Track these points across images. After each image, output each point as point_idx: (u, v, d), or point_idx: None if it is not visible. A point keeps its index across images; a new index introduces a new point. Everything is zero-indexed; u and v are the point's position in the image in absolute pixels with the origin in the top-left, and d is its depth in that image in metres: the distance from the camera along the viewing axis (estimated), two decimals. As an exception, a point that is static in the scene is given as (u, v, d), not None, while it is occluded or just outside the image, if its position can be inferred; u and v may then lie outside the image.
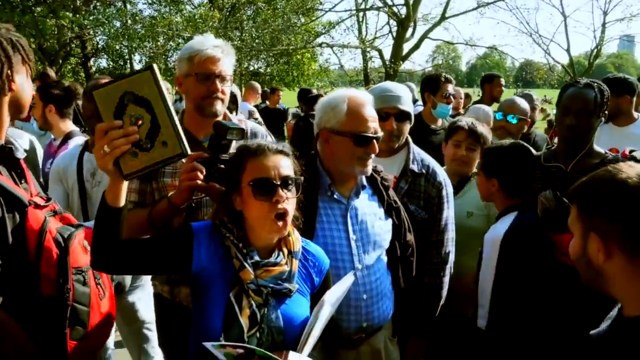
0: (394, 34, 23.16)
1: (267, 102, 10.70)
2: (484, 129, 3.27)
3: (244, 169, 1.91)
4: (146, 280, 3.42)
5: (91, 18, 21.74)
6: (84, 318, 1.93)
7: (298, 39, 22.36)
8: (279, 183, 1.88)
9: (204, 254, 1.90)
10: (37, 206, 1.87)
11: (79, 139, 3.75)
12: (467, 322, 2.79)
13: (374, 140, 2.35)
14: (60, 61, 22.57)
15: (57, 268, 1.85)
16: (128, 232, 1.92)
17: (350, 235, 2.38)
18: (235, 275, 1.87)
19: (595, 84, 2.79)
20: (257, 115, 8.07)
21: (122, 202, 1.83)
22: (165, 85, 1.86)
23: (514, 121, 4.07)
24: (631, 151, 3.29)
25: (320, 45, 24.03)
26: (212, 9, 21.71)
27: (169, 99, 1.82)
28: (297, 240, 2.01)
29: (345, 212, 2.41)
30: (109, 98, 1.78)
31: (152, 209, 2.32)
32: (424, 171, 2.79)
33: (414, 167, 2.79)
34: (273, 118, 9.30)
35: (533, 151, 2.96)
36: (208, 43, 2.46)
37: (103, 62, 26.41)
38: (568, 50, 24.98)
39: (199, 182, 2.15)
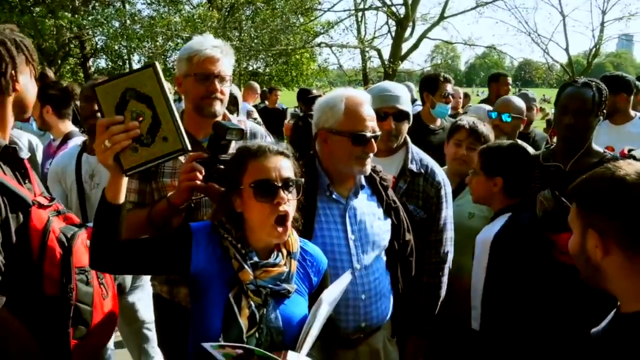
0: (393, 34, 23.15)
1: (266, 102, 10.69)
2: (485, 129, 3.26)
3: (244, 170, 1.91)
4: (146, 280, 3.42)
5: (90, 18, 21.73)
6: (86, 317, 1.94)
7: (297, 39, 22.35)
8: (280, 185, 1.88)
9: (203, 255, 1.90)
10: (41, 206, 1.88)
11: (78, 140, 3.75)
12: (466, 322, 2.79)
13: (372, 140, 2.34)
14: (59, 61, 22.56)
15: (60, 268, 1.86)
16: (127, 232, 1.91)
17: (349, 235, 2.38)
18: (234, 276, 1.87)
19: (594, 83, 2.79)
20: (255, 115, 8.07)
21: (122, 200, 1.83)
22: (165, 85, 1.87)
23: (509, 120, 4.06)
24: (630, 150, 3.30)
25: (319, 45, 24.03)
26: (210, 9, 21.68)
27: (171, 96, 1.83)
28: (295, 241, 2.01)
29: (344, 212, 2.41)
30: (110, 94, 1.79)
31: (151, 209, 2.33)
32: (422, 171, 2.80)
33: (413, 166, 2.80)
34: (272, 118, 9.30)
35: (532, 150, 2.96)
36: (207, 43, 2.46)
37: (102, 63, 26.44)
38: (567, 50, 24.98)
39: (198, 182, 2.15)
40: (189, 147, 1.82)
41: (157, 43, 21.65)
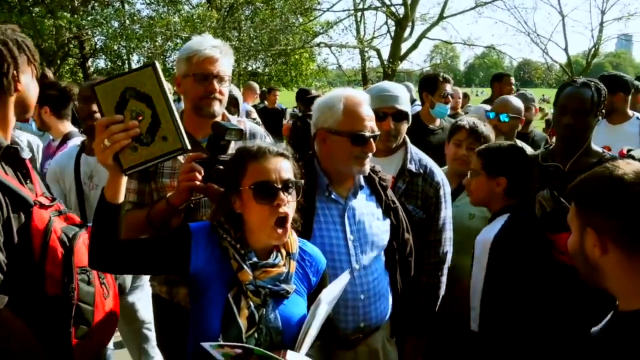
0: (392, 34, 23.17)
1: (266, 102, 10.69)
2: (485, 129, 3.26)
3: (244, 171, 1.91)
4: (145, 280, 3.42)
5: (89, 18, 21.75)
6: (88, 317, 1.94)
7: (296, 39, 22.36)
8: (280, 187, 1.87)
9: (202, 255, 1.90)
10: (42, 206, 1.88)
11: (78, 140, 3.74)
12: (466, 322, 2.79)
13: (371, 140, 2.34)
14: (59, 62, 22.57)
15: (62, 267, 1.86)
16: (126, 232, 1.91)
17: (348, 236, 2.38)
18: (233, 276, 1.87)
19: (592, 83, 2.79)
20: (254, 115, 8.07)
21: (121, 199, 1.83)
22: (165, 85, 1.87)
23: (506, 120, 4.06)
24: (629, 150, 3.30)
25: (318, 45, 24.04)
26: (210, 9, 21.69)
27: (170, 95, 1.83)
28: (294, 242, 2.01)
29: (343, 213, 2.41)
30: (110, 93, 1.79)
31: (150, 210, 2.33)
32: (421, 171, 2.80)
33: (412, 166, 2.80)
34: (271, 118, 9.29)
35: (531, 150, 2.96)
36: (206, 43, 2.46)
37: (101, 63, 26.45)
38: (566, 50, 25.00)
39: (198, 182, 2.15)
40: (189, 147, 1.82)
41: (157, 43, 21.66)
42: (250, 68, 24.28)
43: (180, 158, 2.21)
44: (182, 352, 1.97)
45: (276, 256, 1.94)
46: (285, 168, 1.92)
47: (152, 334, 3.40)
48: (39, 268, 1.82)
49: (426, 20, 23.92)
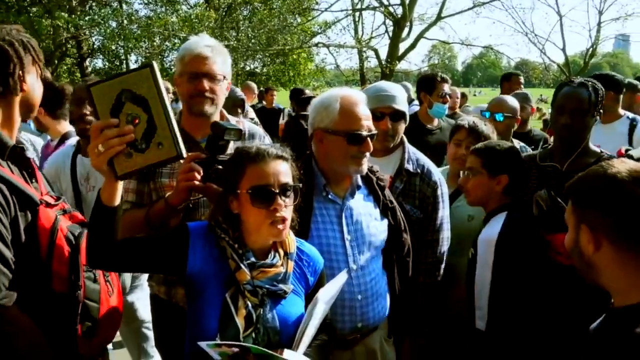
0: (390, 34, 23.21)
1: (264, 102, 10.69)
2: (485, 128, 3.25)
3: (243, 174, 1.90)
4: (144, 280, 3.42)
5: (87, 18, 21.73)
6: (94, 314, 1.96)
7: (294, 39, 22.37)
8: (277, 191, 1.87)
9: (199, 255, 1.90)
10: (48, 205, 1.89)
11: (75, 140, 3.73)
12: (465, 322, 2.80)
13: (368, 139, 2.34)
14: (56, 62, 22.54)
15: (68, 266, 1.87)
16: (125, 232, 1.91)
17: (345, 236, 2.38)
18: (231, 276, 1.87)
19: (590, 83, 2.79)
20: (252, 115, 8.06)
21: (117, 202, 1.82)
22: (164, 85, 1.85)
23: (501, 119, 4.06)
24: (627, 150, 3.31)
25: (316, 45, 24.06)
26: (208, 9, 21.70)
27: (167, 99, 1.80)
28: (292, 242, 2.01)
29: (340, 213, 2.41)
30: (106, 95, 1.75)
31: (149, 210, 2.33)
32: (419, 171, 2.79)
33: (409, 166, 2.79)
34: (269, 118, 9.29)
35: (530, 150, 2.96)
36: (200, 43, 2.47)
37: (99, 63, 26.42)
38: (564, 50, 25.08)
39: (196, 182, 2.15)
40: (184, 154, 1.79)
41: (154, 43, 21.67)
42: (248, 68, 24.28)
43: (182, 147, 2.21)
44: (180, 352, 1.97)
45: (274, 256, 1.94)
46: (283, 171, 1.92)
47: (151, 333, 3.40)
48: (46, 266, 1.83)
49: (424, 20, 24.01)
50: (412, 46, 23.73)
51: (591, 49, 24.84)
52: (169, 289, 2.57)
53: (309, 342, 1.90)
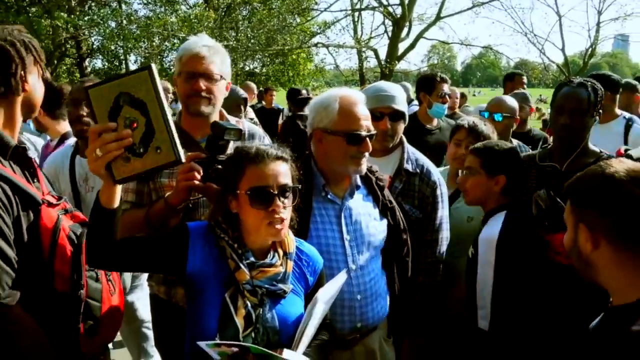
0: (390, 34, 23.21)
1: (263, 102, 10.69)
2: (485, 128, 3.25)
3: (242, 174, 1.90)
4: (144, 279, 3.42)
5: (86, 18, 21.71)
6: (96, 313, 1.97)
7: (293, 39, 22.37)
8: (276, 192, 1.87)
9: (199, 255, 1.90)
10: (50, 204, 1.89)
11: (74, 140, 3.73)
12: (464, 322, 2.80)
13: (367, 139, 2.34)
14: (55, 62, 22.53)
15: (70, 265, 1.88)
16: (124, 232, 1.91)
17: (344, 236, 2.38)
18: (230, 276, 1.87)
19: (589, 83, 2.79)
20: (252, 115, 8.06)
21: (116, 204, 1.81)
22: (164, 85, 1.84)
23: (500, 119, 4.07)
24: (626, 150, 3.32)
25: (315, 45, 24.06)
26: (207, 9, 21.71)
27: (166, 102, 1.79)
28: (292, 242, 2.01)
29: (340, 213, 2.41)
30: (104, 98, 1.74)
31: (148, 209, 2.33)
32: (418, 170, 2.80)
33: (408, 166, 2.80)
34: (269, 118, 9.29)
35: (529, 150, 2.96)
36: (199, 43, 2.48)
37: (98, 63, 26.41)
38: (563, 50, 25.11)
39: (196, 182, 2.15)
40: (183, 159, 1.78)
41: (154, 43, 21.67)
42: (247, 68, 24.27)
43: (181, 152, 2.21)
44: (179, 351, 1.98)
45: (273, 256, 1.94)
46: (283, 172, 1.92)
47: (151, 333, 3.41)
48: (48, 266, 1.84)
49: (423, 20, 23.99)
50: (412, 46, 23.73)
51: (590, 49, 24.87)
52: (168, 289, 2.57)
53: (309, 342, 1.90)
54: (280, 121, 9.19)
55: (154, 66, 1.75)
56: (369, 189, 2.53)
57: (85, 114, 3.03)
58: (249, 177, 1.89)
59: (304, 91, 7.86)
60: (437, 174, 2.86)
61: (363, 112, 2.38)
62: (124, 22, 21.36)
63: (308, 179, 2.33)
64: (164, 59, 23.09)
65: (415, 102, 5.72)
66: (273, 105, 10.35)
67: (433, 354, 2.94)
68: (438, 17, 23.33)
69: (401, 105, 2.82)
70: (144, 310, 3.44)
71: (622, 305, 1.50)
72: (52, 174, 3.31)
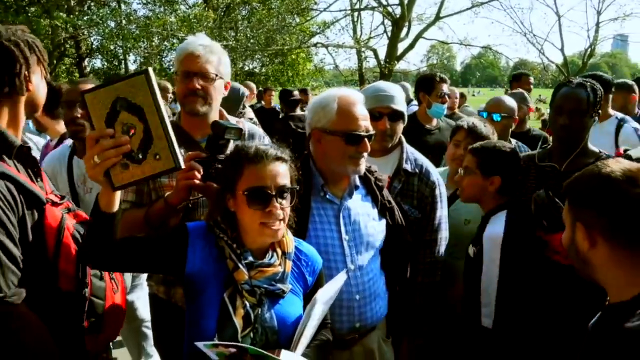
0: (389, 34, 23.23)
1: (263, 102, 10.69)
2: (485, 129, 3.25)
3: (240, 174, 1.90)
4: (144, 279, 3.43)
5: (85, 18, 21.69)
6: (99, 311, 1.98)
7: (293, 39, 22.38)
8: (274, 193, 1.87)
9: (199, 255, 1.90)
10: (54, 203, 1.90)
11: (71, 141, 3.73)
12: (463, 322, 2.80)
13: (366, 139, 2.34)
14: (55, 61, 22.51)
15: (75, 264, 1.89)
16: (124, 232, 1.91)
17: (343, 236, 2.38)
18: (229, 276, 1.87)
19: (588, 83, 2.80)
20: (251, 115, 8.06)
21: (116, 207, 1.80)
22: (163, 85, 1.84)
23: (499, 120, 4.07)
24: (625, 150, 3.32)
25: (315, 45, 24.08)
26: (206, 9, 21.70)
27: (164, 106, 1.77)
28: (290, 241, 2.01)
29: (338, 213, 2.41)
30: (101, 103, 1.71)
31: (148, 209, 2.33)
32: (417, 171, 2.80)
33: (407, 166, 2.79)
34: (268, 118, 9.29)
35: (528, 149, 2.96)
36: (195, 42, 2.48)
37: (97, 63, 26.43)
38: (562, 50, 25.14)
39: (196, 181, 2.15)
40: (183, 166, 1.77)
41: (153, 43, 21.67)
42: (246, 68, 24.27)
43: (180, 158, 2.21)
44: (179, 351, 1.97)
45: (272, 256, 1.94)
46: (281, 173, 1.91)
47: (151, 333, 3.41)
48: (53, 265, 1.84)
49: (423, 20, 24.03)
50: (411, 46, 23.75)
51: (590, 49, 24.90)
52: (168, 289, 2.57)
53: (307, 342, 1.90)
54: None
55: (150, 70, 1.73)
56: (367, 189, 2.53)
57: (79, 115, 3.02)
58: (247, 177, 1.89)
59: (295, 92, 7.86)
60: (436, 174, 2.86)
61: (362, 112, 2.38)
62: (123, 21, 21.36)
63: (307, 179, 2.33)
64: (163, 59, 23.09)
65: (415, 102, 5.72)
66: (272, 105, 10.35)
67: (432, 354, 2.94)
68: (437, 17, 23.36)
69: (400, 105, 2.82)
70: (144, 310, 3.44)
71: (618, 302, 1.52)
72: (49, 174, 3.30)
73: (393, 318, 2.57)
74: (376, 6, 23.28)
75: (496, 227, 2.68)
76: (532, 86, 6.74)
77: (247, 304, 1.85)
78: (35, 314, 1.78)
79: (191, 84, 2.42)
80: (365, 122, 2.36)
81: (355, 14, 24.48)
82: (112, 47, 23.98)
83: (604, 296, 1.63)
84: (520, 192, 2.83)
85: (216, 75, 2.48)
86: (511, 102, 4.19)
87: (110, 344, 3.33)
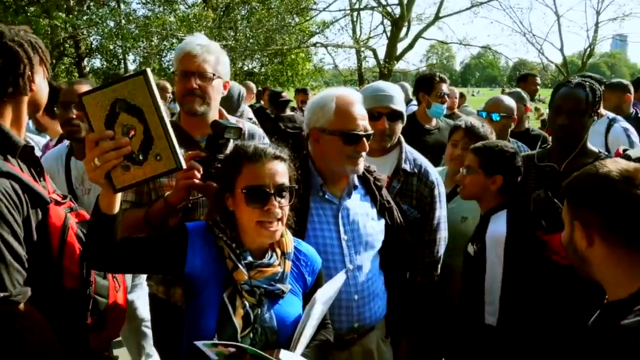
0: (388, 34, 23.24)
1: (262, 102, 10.69)
2: (483, 129, 3.25)
3: (239, 172, 1.90)
4: (144, 278, 3.43)
5: (84, 18, 21.68)
6: (102, 309, 1.99)
7: (292, 39, 22.39)
8: (272, 192, 1.87)
9: (199, 255, 1.90)
10: (57, 203, 1.91)
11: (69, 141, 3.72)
12: (461, 320, 2.81)
13: (364, 139, 2.34)
14: (54, 61, 22.48)
15: (79, 263, 1.90)
16: (124, 231, 1.91)
17: (342, 236, 2.38)
18: (229, 276, 1.87)
19: (587, 83, 2.80)
20: (250, 114, 8.06)
21: (117, 209, 1.79)
22: (162, 84, 1.84)
23: (498, 119, 4.07)
24: (625, 150, 3.33)
25: (314, 45, 24.09)
26: (206, 8, 21.70)
27: (163, 106, 1.76)
28: (290, 241, 2.01)
29: (337, 213, 2.41)
30: (99, 105, 1.69)
31: (148, 209, 2.33)
32: (416, 170, 2.80)
33: (406, 166, 2.80)
34: (267, 118, 9.28)
35: (528, 149, 2.96)
36: (193, 42, 2.48)
37: (97, 62, 26.42)
38: (561, 50, 25.15)
39: (196, 181, 2.15)
40: (184, 165, 1.76)
41: (152, 43, 21.64)
42: (246, 68, 24.27)
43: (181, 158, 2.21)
44: (178, 351, 1.97)
45: (271, 256, 1.94)
46: (280, 172, 1.91)
47: (150, 332, 3.41)
48: (57, 264, 1.85)
49: (422, 20, 24.05)
50: (410, 46, 23.76)
51: (589, 49, 24.93)
52: (167, 289, 2.57)
53: (307, 342, 1.90)
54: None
55: (149, 71, 1.71)
56: (366, 188, 2.53)
57: (74, 116, 3.01)
58: (245, 176, 1.89)
59: (284, 93, 7.87)
60: (435, 173, 2.86)
61: (360, 111, 2.38)
62: (123, 21, 21.35)
63: (305, 179, 2.33)
64: (162, 59, 23.07)
65: (414, 102, 5.72)
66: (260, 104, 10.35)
67: (431, 354, 2.95)
68: (437, 17, 23.38)
69: (399, 105, 2.82)
70: (144, 309, 3.44)
71: (616, 300, 1.54)
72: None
73: (392, 318, 2.57)
74: (375, 6, 23.30)
75: (498, 226, 2.68)
76: (538, 87, 6.78)
77: (247, 304, 1.85)
78: (40, 313, 1.79)
79: (189, 84, 2.42)
80: (363, 122, 2.36)
81: (355, 13, 24.51)
82: (111, 47, 23.98)
83: (603, 294, 1.64)
84: (519, 191, 2.84)
85: (214, 74, 2.48)
86: (510, 102, 4.19)
87: (110, 343, 3.34)
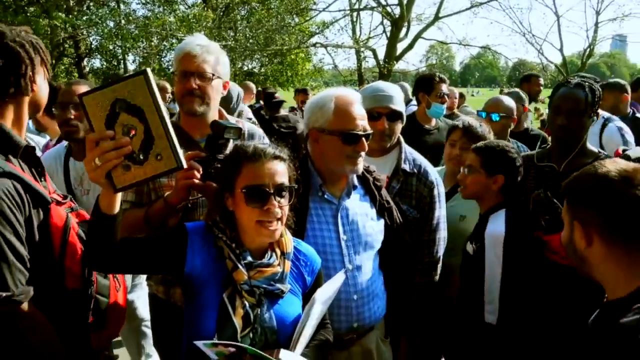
0: (388, 34, 23.24)
1: (261, 102, 10.68)
2: (481, 129, 3.26)
3: (239, 172, 1.91)
4: (144, 278, 3.43)
5: (84, 18, 21.67)
6: (103, 308, 2.00)
7: (292, 39, 22.38)
8: (272, 191, 1.87)
9: (198, 255, 1.90)
10: (58, 203, 1.91)
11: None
12: (460, 319, 2.81)
13: (363, 138, 2.34)
14: (54, 61, 22.47)
15: (81, 263, 1.90)
16: (124, 231, 1.91)
17: (341, 236, 2.38)
18: (228, 276, 1.87)
19: (587, 83, 2.80)
20: (250, 115, 8.06)
21: (117, 209, 1.80)
22: (161, 84, 1.84)
23: (497, 119, 4.08)
24: (624, 150, 3.33)
25: (314, 45, 24.07)
26: (205, 9, 21.68)
27: (164, 106, 1.75)
28: (289, 241, 2.01)
29: (336, 213, 2.41)
30: (99, 105, 1.70)
31: (148, 209, 2.33)
32: (415, 171, 2.80)
33: (406, 166, 2.80)
34: (262, 119, 9.28)
35: (527, 149, 2.97)
36: (193, 42, 2.48)
37: (97, 63, 26.40)
38: (561, 50, 25.17)
39: (196, 181, 2.16)
40: (185, 165, 1.76)
41: (152, 43, 21.63)
42: (246, 68, 24.26)
43: (182, 158, 2.22)
44: (178, 351, 1.97)
45: (271, 256, 1.94)
46: (279, 171, 1.92)
47: (150, 332, 3.41)
48: (59, 264, 1.86)
49: (422, 21, 24.05)
50: (410, 46, 23.76)
51: (588, 50, 24.97)
52: (167, 289, 2.57)
53: (307, 342, 1.90)
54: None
55: (149, 70, 1.71)
56: (366, 189, 2.53)
57: (72, 116, 3.00)
58: (245, 175, 1.89)
59: (278, 94, 7.88)
60: (435, 174, 2.86)
61: (359, 111, 2.38)
62: (123, 21, 21.34)
63: (305, 179, 2.33)
64: (162, 59, 23.06)
65: (414, 102, 5.72)
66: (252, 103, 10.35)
67: (430, 354, 2.95)
68: (436, 17, 23.38)
69: (399, 105, 2.82)
70: (144, 309, 3.44)
71: (615, 299, 1.55)
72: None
73: (391, 318, 2.57)
74: (375, 6, 23.30)
75: (497, 225, 2.69)
76: (542, 87, 6.80)
77: (247, 304, 1.85)
78: (42, 312, 1.80)
79: (188, 84, 2.43)
80: (362, 122, 2.36)
81: (355, 14, 24.51)
82: (111, 47, 23.97)
83: (603, 294, 1.65)
84: (519, 191, 2.84)
85: (213, 75, 2.48)
86: (510, 102, 4.20)
87: (111, 342, 3.34)
